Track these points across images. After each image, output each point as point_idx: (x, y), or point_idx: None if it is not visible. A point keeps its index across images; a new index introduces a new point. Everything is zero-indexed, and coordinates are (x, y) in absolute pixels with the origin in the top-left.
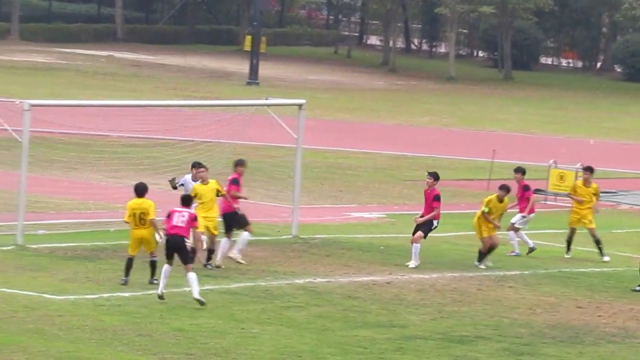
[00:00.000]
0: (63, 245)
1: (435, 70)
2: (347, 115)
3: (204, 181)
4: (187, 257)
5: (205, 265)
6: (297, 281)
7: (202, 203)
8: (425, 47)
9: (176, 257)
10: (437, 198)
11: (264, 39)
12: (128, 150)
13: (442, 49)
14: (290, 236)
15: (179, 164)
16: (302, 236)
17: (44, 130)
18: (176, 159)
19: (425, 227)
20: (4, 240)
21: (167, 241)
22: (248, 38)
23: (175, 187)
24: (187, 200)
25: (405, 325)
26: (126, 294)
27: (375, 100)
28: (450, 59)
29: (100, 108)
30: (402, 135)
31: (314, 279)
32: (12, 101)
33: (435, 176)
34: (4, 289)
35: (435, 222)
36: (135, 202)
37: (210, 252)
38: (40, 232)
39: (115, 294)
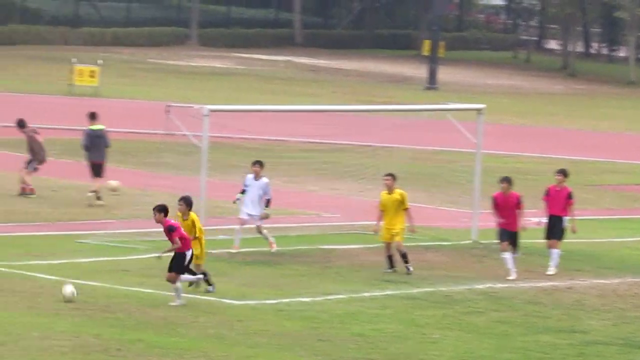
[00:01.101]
0: (242, 250)
1: (614, 74)
2: (526, 120)
3: (390, 190)
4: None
5: (407, 271)
6: (477, 286)
7: (384, 212)
8: (604, 51)
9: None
10: (571, 195)
11: (442, 43)
12: (307, 155)
13: (622, 53)
14: (470, 241)
15: (358, 169)
16: (482, 241)
17: (223, 135)
18: (355, 164)
19: (561, 229)
20: None
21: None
22: (427, 42)
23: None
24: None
25: (586, 330)
26: (307, 299)
27: (554, 105)
28: (630, 62)
29: (279, 113)
30: (582, 140)
31: (494, 284)
32: (191, 106)
33: (565, 173)
34: (183, 294)
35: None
36: None
37: (390, 258)
38: (220, 237)
39: (295, 299)
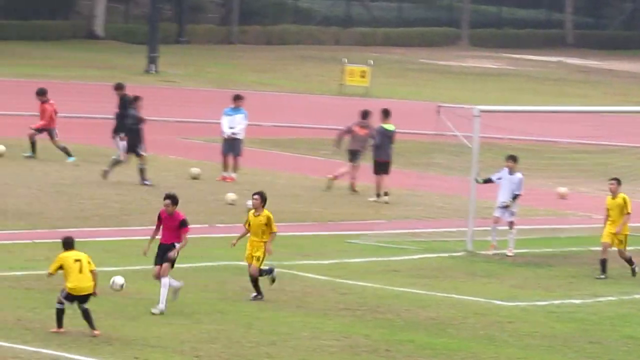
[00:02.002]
0: (514, 250)
1: None
2: None
3: (614, 194)
4: None
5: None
6: None
7: (609, 216)
8: None
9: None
10: None
11: None
12: (578, 157)
13: None
14: None
15: (629, 171)
16: None
17: (493, 136)
18: (627, 166)
19: None
20: (455, 246)
21: None
22: None
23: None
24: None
25: None
26: (577, 301)
27: None
28: None
29: (549, 114)
30: None
31: None
32: (461, 107)
33: None
34: (454, 295)
35: None
36: None
37: (630, 262)
38: (490, 238)
39: (566, 301)
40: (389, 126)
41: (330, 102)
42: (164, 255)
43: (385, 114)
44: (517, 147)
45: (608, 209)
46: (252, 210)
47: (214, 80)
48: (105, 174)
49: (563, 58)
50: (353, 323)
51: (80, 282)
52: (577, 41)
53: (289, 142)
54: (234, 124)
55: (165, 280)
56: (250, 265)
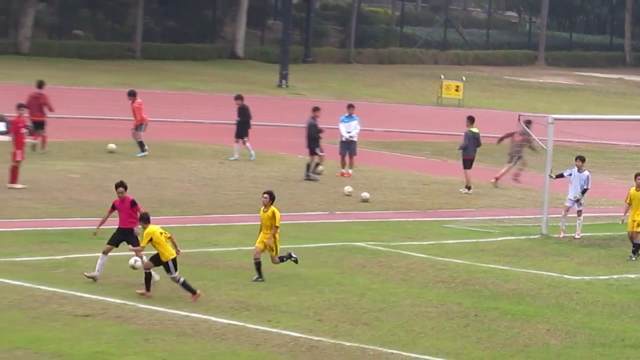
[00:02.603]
0: (581, 234)
1: None
2: None
3: (638, 187)
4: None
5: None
6: None
7: (632, 206)
8: None
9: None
10: None
11: None
12: (635, 157)
13: None
14: None
15: None
16: None
17: (564, 139)
18: None
19: None
20: (532, 230)
21: None
22: None
23: (560, 176)
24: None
25: None
26: (632, 276)
27: None
28: None
29: (611, 122)
30: None
31: None
32: (538, 116)
33: None
34: (531, 270)
35: None
36: None
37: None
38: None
39: (623, 276)
40: (474, 129)
41: (429, 111)
42: (120, 237)
43: (471, 120)
44: (584, 149)
45: (631, 199)
46: (263, 207)
47: (334, 93)
48: (313, 175)
49: (623, 75)
50: (448, 293)
51: (169, 250)
52: (634, 61)
53: (395, 144)
54: (350, 129)
55: (132, 260)
56: (257, 247)
